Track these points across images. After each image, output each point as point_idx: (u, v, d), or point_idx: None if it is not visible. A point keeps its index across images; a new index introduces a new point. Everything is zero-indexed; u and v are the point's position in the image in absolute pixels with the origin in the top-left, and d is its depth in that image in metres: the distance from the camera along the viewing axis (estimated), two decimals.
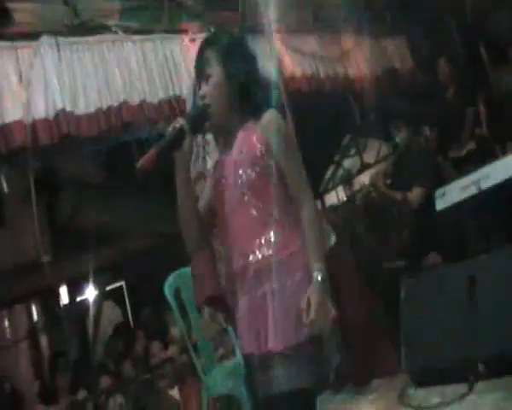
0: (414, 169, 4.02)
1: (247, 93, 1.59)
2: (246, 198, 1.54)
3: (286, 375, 1.45)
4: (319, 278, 1.45)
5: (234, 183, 1.56)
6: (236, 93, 1.58)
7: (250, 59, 1.65)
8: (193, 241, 1.64)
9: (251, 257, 1.53)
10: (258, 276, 1.52)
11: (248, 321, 1.55)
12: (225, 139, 1.66)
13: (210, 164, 2.01)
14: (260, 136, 1.54)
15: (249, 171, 1.53)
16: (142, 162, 1.48)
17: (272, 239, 1.52)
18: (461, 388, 2.75)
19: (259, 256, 1.52)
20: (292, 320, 1.46)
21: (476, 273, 2.92)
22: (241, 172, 1.55)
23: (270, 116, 1.55)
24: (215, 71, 1.59)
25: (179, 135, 1.54)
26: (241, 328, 1.58)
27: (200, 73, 1.62)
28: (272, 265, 1.50)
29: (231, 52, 1.61)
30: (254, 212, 1.53)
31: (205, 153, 2.08)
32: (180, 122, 1.55)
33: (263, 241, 1.52)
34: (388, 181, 4.30)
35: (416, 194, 3.96)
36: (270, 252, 1.51)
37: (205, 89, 1.60)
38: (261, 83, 1.65)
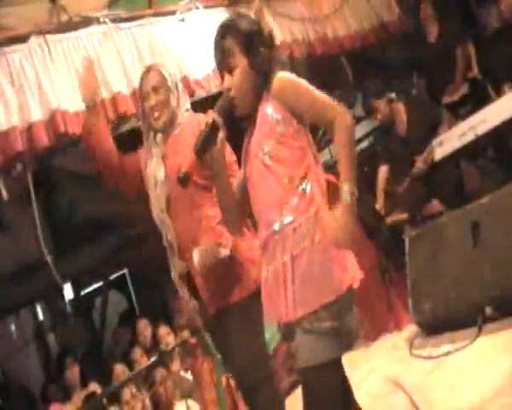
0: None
1: (268, 77, 1.68)
2: (267, 169, 1.65)
3: (308, 350, 1.56)
4: (348, 200, 1.56)
5: (256, 157, 1.68)
6: (262, 81, 1.69)
7: (271, 43, 1.74)
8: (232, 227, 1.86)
9: (275, 226, 1.65)
10: (280, 244, 1.63)
11: (269, 291, 1.68)
12: (250, 123, 1.75)
13: None
14: (273, 102, 1.65)
15: (269, 141, 1.64)
16: (185, 169, 1.62)
17: (294, 205, 1.62)
18: (470, 332, 2.94)
19: (282, 224, 1.63)
20: (313, 285, 1.56)
21: (478, 218, 3.17)
22: (261, 145, 1.66)
23: (278, 78, 1.65)
24: (239, 62, 1.68)
25: (213, 129, 1.62)
26: (264, 298, 1.73)
27: (222, 64, 1.71)
28: (292, 231, 1.61)
29: (253, 40, 1.69)
30: (276, 181, 1.63)
31: None
32: (212, 115, 1.65)
33: (285, 208, 1.63)
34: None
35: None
36: (292, 218, 1.62)
37: (229, 81, 1.69)
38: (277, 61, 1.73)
